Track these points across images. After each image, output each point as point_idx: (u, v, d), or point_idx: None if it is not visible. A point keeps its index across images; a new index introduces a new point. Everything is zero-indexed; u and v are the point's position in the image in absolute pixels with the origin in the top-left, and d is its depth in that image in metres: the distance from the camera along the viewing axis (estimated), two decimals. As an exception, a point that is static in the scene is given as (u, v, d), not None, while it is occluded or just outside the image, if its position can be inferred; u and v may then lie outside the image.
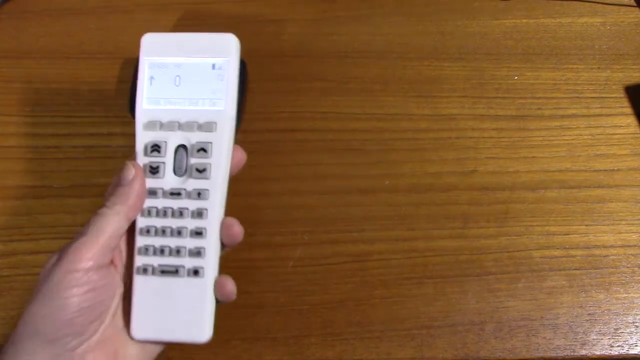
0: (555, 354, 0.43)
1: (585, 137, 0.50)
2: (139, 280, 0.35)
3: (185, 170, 0.35)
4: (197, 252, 0.34)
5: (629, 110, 0.52)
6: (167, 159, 0.35)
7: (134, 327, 0.34)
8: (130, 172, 0.34)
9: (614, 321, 0.44)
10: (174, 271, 0.34)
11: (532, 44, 0.55)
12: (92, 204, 0.47)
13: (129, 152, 0.36)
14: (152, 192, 0.35)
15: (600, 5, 0.57)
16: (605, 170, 0.49)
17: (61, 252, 0.32)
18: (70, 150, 0.49)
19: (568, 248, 0.46)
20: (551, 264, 0.46)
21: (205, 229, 0.34)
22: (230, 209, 0.36)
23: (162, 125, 0.35)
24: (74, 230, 0.46)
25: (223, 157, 0.35)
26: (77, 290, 0.31)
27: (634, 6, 0.57)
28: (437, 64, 0.54)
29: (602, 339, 0.43)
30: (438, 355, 0.43)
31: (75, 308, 0.31)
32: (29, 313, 0.31)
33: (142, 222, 0.35)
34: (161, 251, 0.34)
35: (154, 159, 0.35)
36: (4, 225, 0.46)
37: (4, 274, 0.45)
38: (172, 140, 0.35)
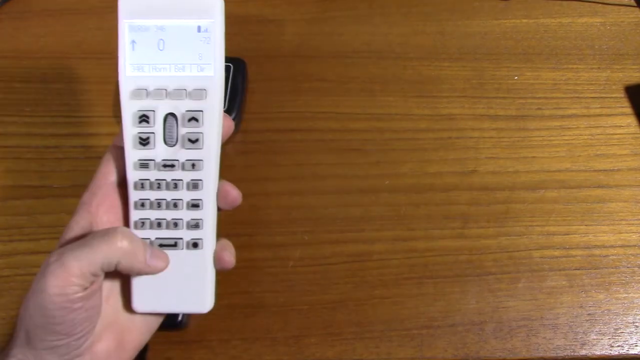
0: (555, 354, 0.43)
1: (585, 137, 0.51)
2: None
3: (177, 140, 0.34)
4: (195, 225, 0.34)
5: (629, 110, 0.52)
6: (157, 128, 0.33)
7: (135, 301, 0.34)
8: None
9: (614, 321, 0.44)
10: (172, 244, 0.34)
11: (532, 44, 0.55)
12: (92, 204, 0.47)
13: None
14: (144, 165, 0.33)
15: (600, 5, 0.57)
16: (605, 170, 0.49)
17: (49, 262, 0.31)
18: (70, 150, 0.49)
19: (568, 248, 0.46)
20: (551, 264, 0.46)
21: (201, 200, 0.34)
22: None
23: (148, 94, 0.33)
24: (74, 230, 0.46)
25: (215, 125, 0.34)
26: (64, 310, 0.30)
27: (634, 6, 0.57)
28: (437, 64, 0.54)
29: (602, 339, 0.43)
30: (438, 355, 0.43)
31: (73, 322, 0.30)
32: (26, 313, 0.31)
33: (135, 196, 0.34)
34: (158, 224, 0.34)
35: (143, 129, 0.33)
36: (4, 225, 0.46)
37: (4, 274, 0.45)
38: (161, 109, 0.34)
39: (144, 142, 0.33)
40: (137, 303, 0.34)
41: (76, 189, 0.48)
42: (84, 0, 0.56)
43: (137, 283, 0.34)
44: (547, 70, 0.53)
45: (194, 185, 0.34)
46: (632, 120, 0.51)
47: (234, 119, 0.48)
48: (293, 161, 0.49)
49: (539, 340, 0.43)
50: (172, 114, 0.34)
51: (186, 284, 0.34)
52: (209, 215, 0.34)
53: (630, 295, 0.45)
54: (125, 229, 0.32)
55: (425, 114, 0.51)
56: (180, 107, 0.33)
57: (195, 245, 0.34)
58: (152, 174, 0.34)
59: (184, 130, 0.33)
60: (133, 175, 0.34)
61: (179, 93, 0.33)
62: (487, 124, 0.51)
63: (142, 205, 0.34)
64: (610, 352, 0.43)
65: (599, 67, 0.54)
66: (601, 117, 0.51)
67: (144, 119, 0.33)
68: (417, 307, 0.44)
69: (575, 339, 0.43)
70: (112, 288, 0.34)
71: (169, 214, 0.34)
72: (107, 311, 0.33)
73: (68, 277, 0.30)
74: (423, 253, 0.46)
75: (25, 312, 0.31)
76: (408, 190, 0.48)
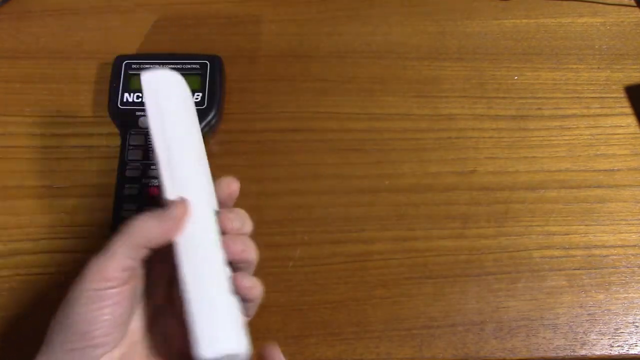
0: (555, 354, 0.43)
1: (585, 137, 0.51)
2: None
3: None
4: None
5: (629, 110, 0.52)
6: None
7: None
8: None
9: (614, 321, 0.44)
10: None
11: (532, 44, 0.55)
12: (92, 204, 0.47)
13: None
14: None
15: (600, 5, 0.57)
16: (605, 170, 0.49)
17: (90, 264, 0.31)
18: (70, 150, 0.49)
19: (568, 248, 0.46)
20: (551, 264, 0.46)
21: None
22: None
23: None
24: (74, 230, 0.46)
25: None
26: (97, 305, 0.31)
27: (634, 6, 0.57)
28: (437, 64, 0.54)
29: (602, 339, 0.43)
30: (438, 355, 0.43)
31: (95, 321, 0.31)
32: (54, 320, 0.31)
33: None
34: None
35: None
36: (4, 225, 0.46)
37: (4, 274, 0.45)
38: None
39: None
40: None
41: (76, 189, 0.48)
42: (83, 0, 0.56)
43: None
44: (547, 70, 0.53)
45: None
46: (632, 120, 0.51)
47: (214, 116, 0.48)
48: (293, 161, 0.49)
49: (539, 340, 0.43)
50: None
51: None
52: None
53: (630, 295, 0.45)
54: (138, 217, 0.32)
55: (425, 114, 0.51)
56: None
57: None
58: None
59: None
60: None
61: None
62: (487, 124, 0.51)
63: None
64: (610, 352, 0.43)
65: (599, 67, 0.54)
66: (601, 117, 0.51)
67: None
68: (417, 307, 0.44)
69: (575, 339, 0.43)
70: (140, 314, 0.34)
71: None
72: (140, 338, 0.34)
73: (95, 271, 0.30)
74: (423, 253, 0.46)
75: (53, 318, 0.31)
76: (408, 190, 0.48)
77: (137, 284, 0.33)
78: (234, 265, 0.34)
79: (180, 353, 0.34)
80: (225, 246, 0.33)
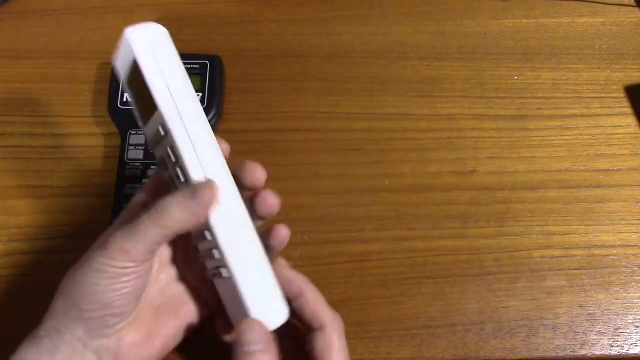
0: (555, 354, 0.43)
1: (585, 137, 0.51)
2: (218, 284, 0.35)
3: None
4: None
5: (629, 110, 0.52)
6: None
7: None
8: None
9: (614, 321, 0.44)
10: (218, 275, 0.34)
11: (532, 44, 0.55)
12: (92, 204, 0.47)
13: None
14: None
15: (600, 5, 0.57)
16: (605, 170, 0.49)
17: (114, 239, 0.31)
18: (70, 150, 0.49)
19: (568, 248, 0.46)
20: (551, 264, 0.46)
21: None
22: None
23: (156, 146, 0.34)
24: (74, 230, 0.46)
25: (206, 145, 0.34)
26: (120, 280, 0.31)
27: (634, 6, 0.57)
28: (437, 64, 0.54)
29: (602, 339, 0.43)
30: (438, 355, 0.43)
31: (117, 294, 0.31)
32: (67, 286, 0.32)
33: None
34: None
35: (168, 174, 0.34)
36: (4, 225, 0.46)
37: (4, 273, 0.45)
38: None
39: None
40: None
41: (76, 189, 0.48)
42: (84, 0, 0.56)
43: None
44: (547, 70, 0.53)
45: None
46: (632, 120, 0.51)
47: (214, 116, 0.48)
48: (293, 161, 0.49)
49: (539, 340, 0.43)
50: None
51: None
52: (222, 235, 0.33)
53: (630, 295, 0.45)
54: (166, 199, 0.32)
55: (425, 114, 0.51)
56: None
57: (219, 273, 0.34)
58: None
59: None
60: None
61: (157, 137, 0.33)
62: (487, 124, 0.51)
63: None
64: (610, 352, 0.43)
65: (599, 67, 0.54)
66: (601, 117, 0.51)
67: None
68: (417, 307, 0.44)
69: (575, 339, 0.43)
70: (168, 281, 0.36)
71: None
72: (152, 301, 0.35)
73: (121, 251, 0.31)
74: (423, 253, 0.46)
75: (68, 281, 0.32)
76: (408, 190, 0.48)
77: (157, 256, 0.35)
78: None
79: (186, 314, 0.36)
80: (260, 203, 0.35)
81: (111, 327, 0.32)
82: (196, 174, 0.32)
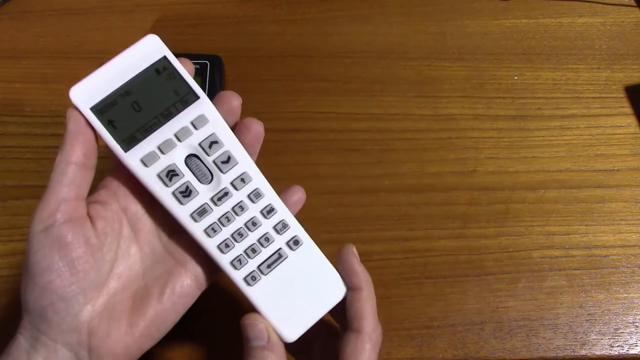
0: (555, 354, 0.43)
1: (585, 137, 0.51)
2: (253, 292, 0.33)
3: (210, 171, 0.33)
4: (283, 225, 0.34)
5: (629, 110, 0.52)
6: (188, 175, 0.32)
7: (284, 333, 0.33)
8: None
9: (614, 321, 0.44)
10: (278, 258, 0.34)
11: (532, 44, 0.55)
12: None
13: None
14: (202, 212, 0.32)
15: (600, 5, 0.57)
16: (605, 170, 0.49)
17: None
18: (70, 150, 0.49)
19: (568, 248, 0.46)
20: (551, 264, 0.46)
21: (270, 203, 0.34)
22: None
23: (158, 152, 0.32)
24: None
25: (231, 134, 0.33)
26: (40, 253, 0.29)
27: (634, 6, 0.57)
28: (437, 64, 0.54)
29: (602, 339, 0.43)
30: (438, 355, 0.43)
31: (43, 271, 0.29)
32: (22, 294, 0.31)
33: (213, 243, 0.33)
34: (253, 251, 0.33)
35: (178, 184, 0.32)
36: (4, 225, 0.46)
37: (4, 274, 0.45)
38: (179, 156, 0.32)
39: (186, 194, 0.32)
40: (287, 333, 0.33)
41: (76, 189, 0.48)
42: (84, 0, 0.56)
43: (272, 316, 0.33)
44: (547, 70, 0.53)
45: (256, 194, 0.34)
46: (632, 120, 0.51)
47: None
48: (293, 161, 0.49)
49: (539, 340, 0.43)
50: (191, 155, 0.33)
51: (314, 283, 0.34)
52: (284, 208, 0.35)
53: (630, 295, 0.45)
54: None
55: (425, 114, 0.51)
56: (193, 142, 0.32)
57: (296, 242, 0.34)
58: (215, 214, 0.33)
59: (211, 158, 0.33)
60: (199, 226, 0.32)
61: (184, 132, 0.32)
62: (487, 124, 0.51)
63: (227, 246, 0.33)
64: (610, 352, 0.43)
65: (599, 67, 0.54)
66: (601, 117, 0.51)
67: (172, 174, 0.32)
68: (417, 307, 0.44)
69: (575, 339, 0.43)
70: (151, 261, 0.34)
71: (254, 235, 0.34)
72: (128, 285, 0.32)
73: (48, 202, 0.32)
74: (423, 253, 0.46)
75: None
76: (408, 190, 0.48)
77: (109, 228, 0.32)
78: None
79: (173, 294, 0.33)
80: (244, 129, 0.34)
81: (72, 317, 0.30)
82: None
